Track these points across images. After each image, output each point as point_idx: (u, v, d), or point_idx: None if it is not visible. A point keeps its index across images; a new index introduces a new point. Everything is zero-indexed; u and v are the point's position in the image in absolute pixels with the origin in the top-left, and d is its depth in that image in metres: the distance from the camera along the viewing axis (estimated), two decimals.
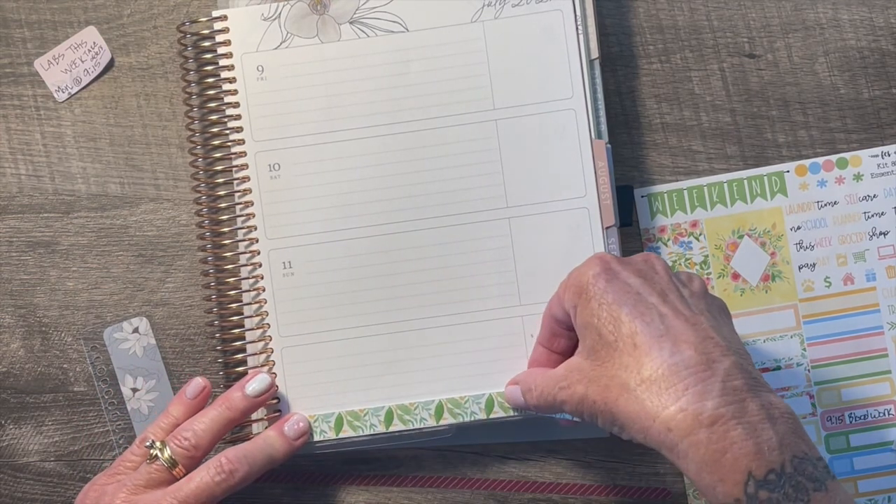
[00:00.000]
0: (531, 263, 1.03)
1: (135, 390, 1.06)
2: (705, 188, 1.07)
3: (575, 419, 0.92)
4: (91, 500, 0.96)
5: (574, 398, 0.89)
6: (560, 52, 1.03)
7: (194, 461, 0.97)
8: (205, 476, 0.95)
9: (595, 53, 1.04)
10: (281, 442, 1.00)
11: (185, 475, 0.96)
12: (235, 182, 1.04)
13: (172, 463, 0.96)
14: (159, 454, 0.96)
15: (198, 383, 1.01)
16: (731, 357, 0.84)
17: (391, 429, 1.02)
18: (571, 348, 0.96)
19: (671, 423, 0.82)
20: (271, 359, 1.03)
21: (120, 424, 1.07)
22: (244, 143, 1.04)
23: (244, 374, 1.03)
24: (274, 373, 1.03)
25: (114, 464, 0.98)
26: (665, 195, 1.07)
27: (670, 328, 0.86)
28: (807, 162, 1.07)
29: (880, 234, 1.06)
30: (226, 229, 1.05)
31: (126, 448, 1.03)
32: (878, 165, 1.07)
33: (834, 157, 1.07)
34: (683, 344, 0.84)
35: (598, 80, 1.04)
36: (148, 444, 0.97)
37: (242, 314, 1.04)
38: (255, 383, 1.00)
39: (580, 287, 0.90)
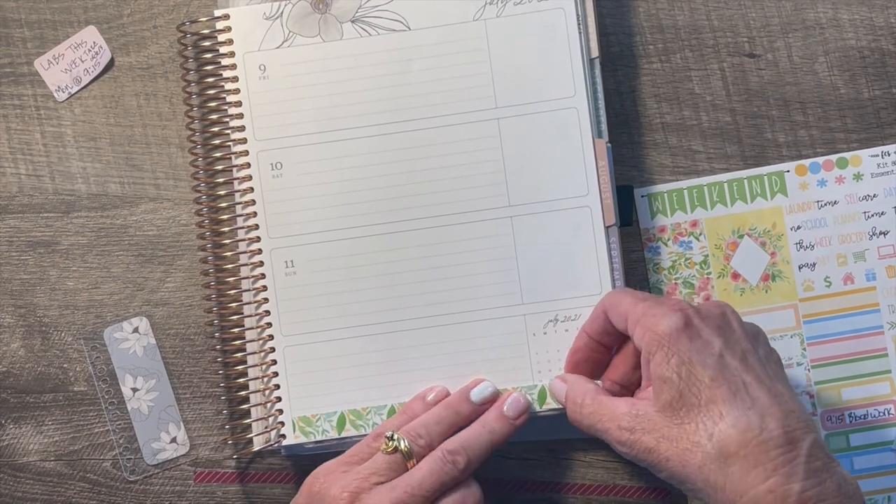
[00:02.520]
0: (533, 262, 1.03)
1: (135, 390, 1.06)
2: (705, 188, 1.07)
3: None
4: (320, 485, 0.95)
5: (638, 446, 0.90)
6: (562, 50, 1.03)
7: (424, 454, 0.97)
8: (433, 466, 0.95)
9: (595, 53, 1.04)
10: (501, 424, 0.99)
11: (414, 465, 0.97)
12: (237, 181, 1.04)
13: (409, 455, 0.96)
14: (398, 445, 0.96)
15: (441, 391, 1.02)
16: (812, 434, 0.86)
17: None
18: (619, 344, 0.99)
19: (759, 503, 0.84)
20: (273, 357, 1.03)
21: (120, 424, 1.07)
22: (246, 142, 1.04)
23: (244, 373, 1.04)
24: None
25: (347, 452, 0.98)
26: (665, 195, 1.07)
27: (756, 400, 0.87)
28: (807, 162, 1.07)
29: (880, 233, 1.06)
30: (226, 229, 1.05)
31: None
32: (878, 165, 1.07)
33: (834, 157, 1.07)
34: (770, 419, 0.86)
35: (599, 80, 1.04)
36: (388, 434, 0.96)
37: (243, 314, 1.04)
38: (480, 390, 1.01)
39: (660, 338, 0.91)
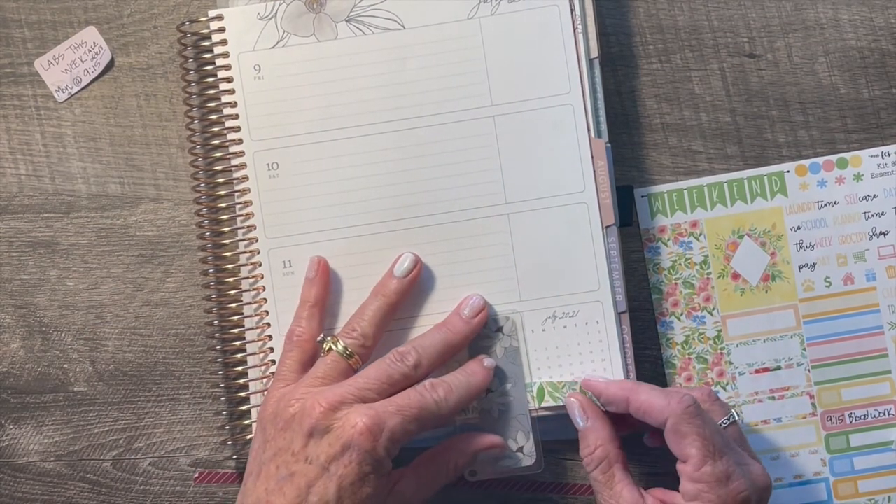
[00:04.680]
0: (531, 259, 1.03)
1: (488, 391, 1.03)
2: (705, 188, 1.07)
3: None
4: (272, 407, 0.96)
5: None
6: (557, 47, 1.03)
7: (367, 350, 0.99)
8: (380, 364, 0.97)
9: (595, 53, 1.04)
10: (457, 324, 1.01)
11: (361, 366, 0.99)
12: (234, 182, 1.04)
13: (349, 354, 0.97)
14: (333, 346, 0.98)
15: (314, 261, 1.03)
16: None
17: None
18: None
19: None
20: (272, 358, 1.03)
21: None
22: (242, 142, 1.04)
23: (244, 374, 1.04)
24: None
25: (276, 377, 0.99)
26: (665, 195, 1.07)
27: None
28: (807, 162, 1.07)
29: (880, 234, 1.06)
30: (226, 229, 1.05)
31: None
32: (878, 165, 1.07)
33: (834, 157, 1.07)
34: None
35: (598, 80, 1.04)
36: (319, 339, 1.00)
37: (242, 314, 1.04)
38: (402, 263, 1.02)
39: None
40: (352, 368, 0.98)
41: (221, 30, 1.05)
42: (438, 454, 0.99)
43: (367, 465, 0.91)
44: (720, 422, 0.95)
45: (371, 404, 0.93)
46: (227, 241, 1.05)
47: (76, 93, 1.09)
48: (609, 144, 1.03)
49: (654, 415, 0.94)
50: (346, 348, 0.97)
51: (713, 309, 1.06)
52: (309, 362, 0.99)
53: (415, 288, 1.03)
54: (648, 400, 0.95)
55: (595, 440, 0.97)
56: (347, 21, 1.04)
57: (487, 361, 1.00)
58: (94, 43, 1.09)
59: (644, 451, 1.05)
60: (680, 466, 0.94)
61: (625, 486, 0.96)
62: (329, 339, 0.98)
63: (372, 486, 0.92)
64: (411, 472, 0.97)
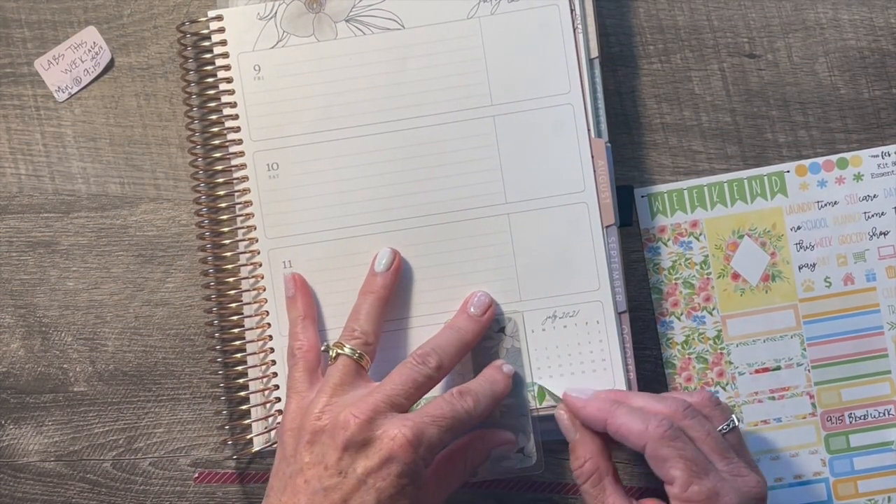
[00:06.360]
0: (531, 259, 1.03)
1: None
2: (705, 188, 1.07)
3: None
4: (293, 421, 0.96)
5: None
6: (557, 47, 1.03)
7: (371, 348, 0.99)
8: (403, 369, 0.96)
9: (595, 53, 1.04)
10: (468, 323, 1.01)
11: (370, 364, 0.99)
12: (234, 182, 1.04)
13: (358, 355, 0.97)
14: (340, 351, 0.97)
15: (289, 279, 1.04)
16: None
17: None
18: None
19: None
20: (273, 358, 1.03)
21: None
22: (242, 142, 1.04)
23: (244, 373, 1.04)
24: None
25: (289, 392, 0.99)
26: (665, 195, 1.07)
27: None
28: (807, 162, 1.07)
29: (880, 234, 1.06)
30: (226, 229, 1.05)
31: None
32: (879, 165, 1.06)
33: (834, 157, 1.07)
34: None
35: (598, 80, 1.04)
36: (323, 348, 0.99)
37: (242, 314, 1.04)
38: (381, 259, 1.02)
39: None
40: (364, 369, 0.97)
41: (221, 30, 1.05)
42: (455, 454, 0.99)
43: (406, 478, 0.91)
44: (720, 427, 0.95)
45: (407, 415, 0.93)
46: (227, 241, 1.05)
47: (76, 93, 1.09)
48: (609, 144, 1.03)
49: (632, 439, 0.94)
50: (353, 350, 0.97)
51: (713, 309, 1.06)
52: (316, 372, 0.99)
53: (416, 288, 1.03)
54: (626, 424, 0.94)
55: (584, 453, 0.97)
56: (347, 21, 1.04)
57: (507, 368, 1.00)
58: (94, 43, 1.09)
59: (638, 459, 1.04)
60: (667, 488, 0.94)
61: (616, 499, 0.96)
62: (332, 346, 0.98)
63: (408, 498, 0.92)
64: (432, 475, 0.96)
